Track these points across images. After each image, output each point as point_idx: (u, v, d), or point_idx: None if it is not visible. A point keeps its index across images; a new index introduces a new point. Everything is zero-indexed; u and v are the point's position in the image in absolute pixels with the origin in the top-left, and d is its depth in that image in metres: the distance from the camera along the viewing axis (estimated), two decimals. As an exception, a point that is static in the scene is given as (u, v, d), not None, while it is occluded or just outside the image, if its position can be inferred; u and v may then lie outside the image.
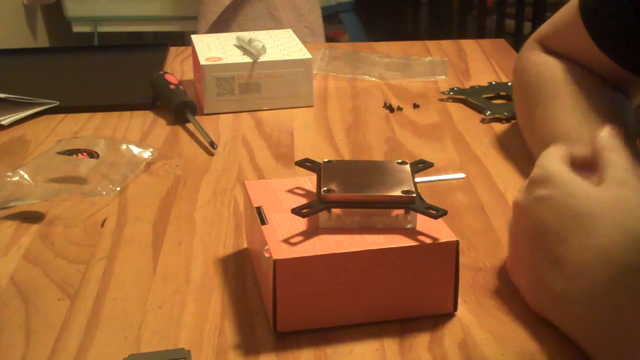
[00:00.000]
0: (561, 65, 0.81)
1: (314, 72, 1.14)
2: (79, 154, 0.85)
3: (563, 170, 0.59)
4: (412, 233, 0.58)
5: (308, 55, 1.03)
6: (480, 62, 1.21)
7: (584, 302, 0.53)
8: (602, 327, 0.52)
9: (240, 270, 0.66)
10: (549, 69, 0.82)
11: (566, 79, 0.79)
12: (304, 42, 1.10)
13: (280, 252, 0.55)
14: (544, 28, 0.87)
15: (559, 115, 0.75)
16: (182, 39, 2.58)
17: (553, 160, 0.60)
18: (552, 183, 0.58)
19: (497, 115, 0.97)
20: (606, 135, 0.60)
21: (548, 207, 0.57)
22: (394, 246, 0.56)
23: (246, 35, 1.08)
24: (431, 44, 1.30)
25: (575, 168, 0.60)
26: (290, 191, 0.65)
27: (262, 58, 1.02)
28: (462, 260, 0.61)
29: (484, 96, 1.04)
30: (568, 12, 0.82)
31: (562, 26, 0.84)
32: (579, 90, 0.77)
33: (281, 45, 1.08)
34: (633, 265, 0.52)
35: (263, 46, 1.03)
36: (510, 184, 0.80)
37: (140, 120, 1.00)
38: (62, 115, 1.02)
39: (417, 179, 0.63)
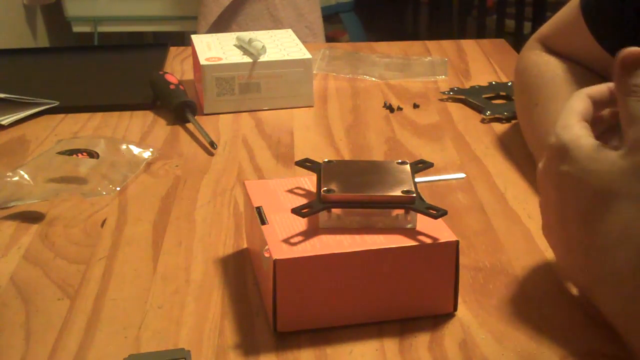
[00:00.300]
0: (562, 65, 0.81)
1: (314, 72, 1.14)
2: (79, 154, 0.85)
3: (581, 137, 0.54)
4: (412, 233, 0.58)
5: (308, 55, 1.03)
6: (480, 62, 1.21)
7: (612, 284, 0.52)
8: (632, 308, 0.50)
9: (240, 270, 0.66)
10: (550, 69, 0.81)
11: (567, 79, 0.79)
12: (304, 42, 1.10)
13: (280, 252, 0.55)
14: (544, 28, 0.87)
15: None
16: (182, 39, 2.58)
17: (571, 125, 0.55)
18: (570, 156, 0.53)
19: (497, 115, 0.97)
20: (629, 73, 0.52)
21: (569, 185, 0.53)
22: (394, 246, 0.56)
23: (246, 35, 1.08)
24: (431, 44, 1.30)
25: (597, 116, 0.56)
26: (290, 191, 0.65)
27: (262, 58, 1.02)
28: (462, 260, 0.61)
29: (484, 96, 1.04)
30: (569, 11, 0.82)
31: (563, 25, 0.84)
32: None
33: (281, 45, 1.08)
34: None
35: (263, 46, 1.03)
36: (510, 184, 0.80)
37: (140, 120, 1.00)
38: (62, 115, 1.02)
39: (417, 179, 0.63)
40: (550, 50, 0.85)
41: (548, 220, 0.58)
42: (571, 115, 0.56)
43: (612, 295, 0.52)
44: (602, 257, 0.52)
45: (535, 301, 0.61)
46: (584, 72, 0.79)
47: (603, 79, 0.78)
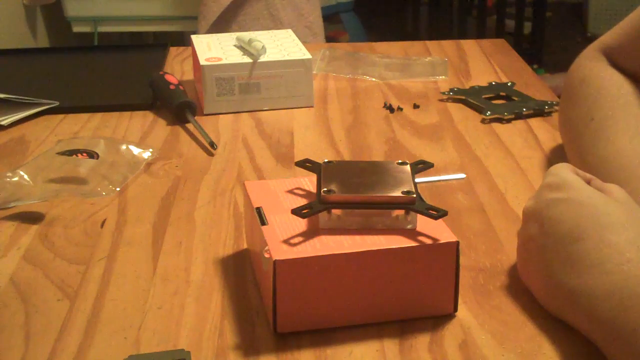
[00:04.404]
0: (628, 86, 0.76)
1: (314, 72, 1.14)
2: (79, 155, 0.85)
3: (577, 179, 0.61)
4: (412, 234, 0.58)
5: (308, 56, 1.03)
6: (480, 62, 1.21)
7: (599, 297, 0.53)
8: (616, 322, 0.52)
9: (240, 270, 0.66)
10: (614, 89, 0.76)
11: (631, 102, 0.74)
12: (304, 42, 1.10)
13: (280, 252, 0.55)
14: (609, 38, 0.81)
15: (618, 137, 0.71)
16: (182, 39, 2.58)
17: (566, 171, 0.62)
18: (568, 187, 0.59)
19: (497, 116, 0.97)
20: None
21: (563, 208, 0.58)
22: (394, 247, 0.56)
23: (246, 35, 1.08)
24: (431, 44, 1.29)
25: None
26: (290, 192, 0.65)
27: (262, 58, 1.02)
28: (463, 260, 0.61)
29: (484, 96, 1.04)
30: (638, 19, 0.76)
31: (632, 37, 0.77)
32: None
33: (281, 45, 1.08)
34: None
35: (263, 46, 1.02)
36: (510, 184, 0.80)
37: (140, 120, 1.00)
38: (62, 116, 1.02)
39: (417, 180, 0.62)
40: (615, 64, 0.79)
41: (528, 254, 0.61)
42: (562, 168, 0.62)
43: (597, 309, 0.54)
44: (592, 272, 0.54)
45: (536, 301, 0.61)
46: None
47: None
